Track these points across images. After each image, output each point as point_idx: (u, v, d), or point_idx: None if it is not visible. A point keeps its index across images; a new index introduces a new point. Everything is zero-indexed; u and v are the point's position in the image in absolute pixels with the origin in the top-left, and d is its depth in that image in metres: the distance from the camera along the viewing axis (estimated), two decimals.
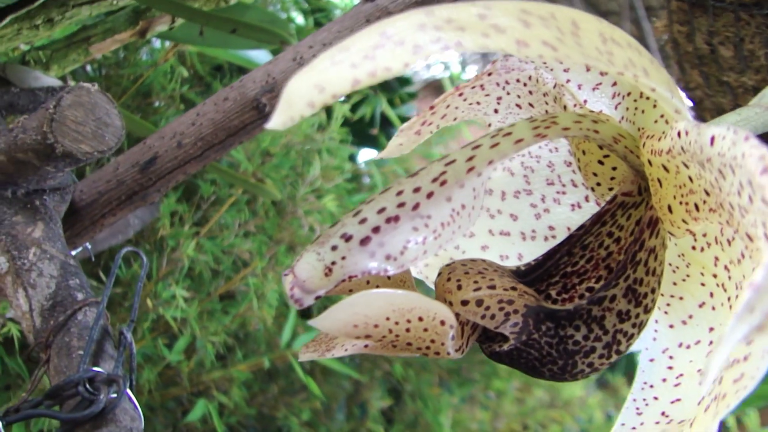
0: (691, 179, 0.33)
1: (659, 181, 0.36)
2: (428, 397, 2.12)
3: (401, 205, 0.33)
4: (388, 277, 0.38)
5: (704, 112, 0.80)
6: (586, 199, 0.49)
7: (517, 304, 0.37)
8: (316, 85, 0.28)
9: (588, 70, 0.38)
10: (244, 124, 0.78)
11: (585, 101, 0.42)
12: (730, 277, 0.37)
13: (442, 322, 0.35)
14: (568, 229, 0.50)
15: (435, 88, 2.82)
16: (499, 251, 0.51)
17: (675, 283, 0.43)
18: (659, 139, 0.34)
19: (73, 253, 0.82)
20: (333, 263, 0.32)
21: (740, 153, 0.26)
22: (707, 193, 0.32)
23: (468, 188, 0.33)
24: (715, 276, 0.40)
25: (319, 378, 1.89)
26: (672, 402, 0.41)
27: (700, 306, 0.41)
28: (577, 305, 0.38)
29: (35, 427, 1.19)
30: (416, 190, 0.33)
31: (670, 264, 0.43)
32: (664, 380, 0.42)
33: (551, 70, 0.40)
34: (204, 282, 1.59)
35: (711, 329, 0.40)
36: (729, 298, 0.38)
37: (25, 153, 0.68)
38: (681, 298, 0.43)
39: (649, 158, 0.36)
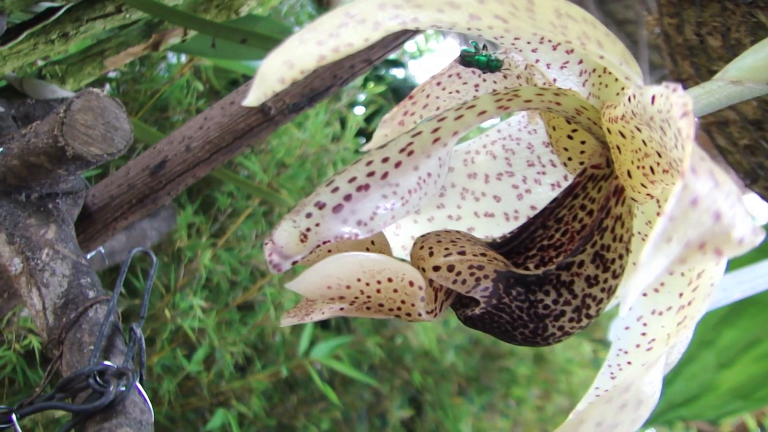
0: (644, 142, 0.35)
1: (618, 147, 0.38)
2: (448, 406, 2.12)
3: (371, 174, 0.35)
4: (367, 249, 0.40)
5: None
6: (565, 178, 0.51)
7: (487, 270, 0.39)
8: (285, 61, 0.30)
9: (543, 43, 0.40)
10: (251, 126, 0.80)
11: (554, 80, 0.44)
12: None
13: (411, 283, 0.37)
14: None
15: None
16: (484, 232, 0.53)
17: None
18: (615, 107, 0.36)
19: (88, 256, 0.84)
20: (308, 230, 0.34)
21: (670, 105, 0.27)
22: (659, 155, 0.34)
23: (434, 158, 0.35)
24: None
25: (339, 388, 1.90)
26: (644, 365, 0.43)
27: (671, 273, 0.43)
28: (546, 270, 0.39)
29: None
30: (385, 160, 0.35)
31: (639, 233, 0.44)
32: (638, 346, 0.44)
33: (521, 51, 0.42)
34: (222, 293, 1.61)
35: (680, 294, 0.42)
36: None
37: (38, 156, 0.70)
38: None
39: (608, 126, 0.38)
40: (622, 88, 0.39)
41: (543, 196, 0.52)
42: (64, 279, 0.71)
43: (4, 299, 0.82)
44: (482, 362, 2.26)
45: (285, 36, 1.00)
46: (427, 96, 0.48)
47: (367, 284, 0.36)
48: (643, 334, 0.44)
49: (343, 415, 1.90)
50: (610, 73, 0.40)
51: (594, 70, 0.42)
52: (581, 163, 0.46)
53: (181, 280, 1.51)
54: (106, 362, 0.63)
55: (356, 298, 0.37)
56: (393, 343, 2.03)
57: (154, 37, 1.13)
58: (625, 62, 0.34)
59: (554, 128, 0.45)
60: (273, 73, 0.30)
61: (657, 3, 0.75)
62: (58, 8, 0.97)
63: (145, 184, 0.82)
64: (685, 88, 0.79)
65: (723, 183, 0.24)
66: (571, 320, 0.40)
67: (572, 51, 0.42)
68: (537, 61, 0.43)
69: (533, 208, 0.52)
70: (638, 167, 0.37)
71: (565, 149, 0.46)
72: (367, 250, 0.40)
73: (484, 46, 0.47)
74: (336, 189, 0.35)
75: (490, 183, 0.53)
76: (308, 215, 0.34)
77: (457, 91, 0.49)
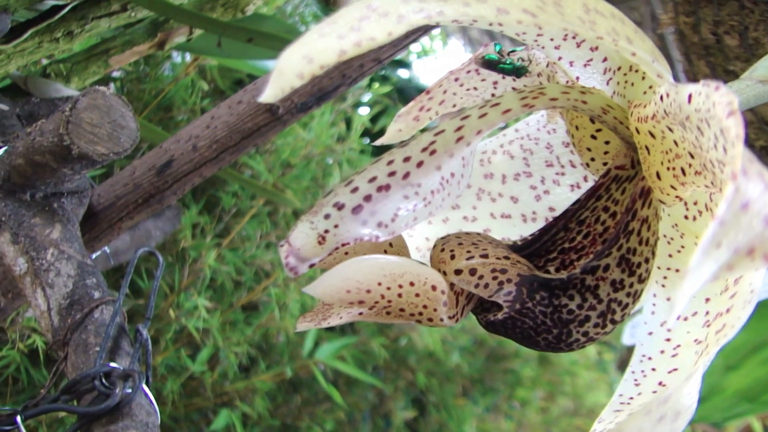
0: (676, 143, 0.34)
1: (647, 148, 0.37)
2: (452, 407, 2.12)
3: (392, 174, 0.34)
4: (385, 251, 0.39)
5: None
6: (585, 179, 0.50)
7: (510, 273, 0.38)
8: (305, 56, 0.29)
9: (567, 40, 0.39)
10: (258, 126, 0.79)
11: (577, 78, 0.42)
12: None
13: (434, 287, 0.35)
14: None
15: None
16: (501, 234, 0.52)
17: (671, 255, 0.44)
18: (645, 106, 0.35)
19: (93, 256, 0.83)
20: (326, 231, 0.33)
21: (711, 104, 0.26)
22: (692, 156, 0.33)
23: (457, 157, 0.34)
24: None
25: (343, 388, 1.90)
26: (669, 372, 0.42)
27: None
28: (571, 274, 0.38)
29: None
30: (406, 159, 0.34)
31: (665, 236, 0.43)
32: (662, 352, 0.43)
33: (543, 48, 0.41)
34: (226, 293, 1.61)
35: (707, 300, 0.40)
36: None
37: (43, 155, 0.69)
38: (677, 270, 0.43)
39: (636, 126, 0.37)
40: (650, 87, 0.38)
41: (562, 197, 0.51)
42: (70, 279, 0.70)
43: (9, 299, 0.81)
44: (487, 363, 2.26)
45: (291, 35, 0.98)
46: (444, 92, 0.47)
47: (388, 288, 0.35)
48: (668, 339, 0.43)
49: (347, 416, 1.90)
50: (636, 71, 0.39)
51: (619, 68, 0.41)
52: (604, 164, 0.44)
53: (186, 280, 1.50)
54: (112, 364, 0.62)
55: (376, 302, 0.36)
56: (397, 344, 2.02)
57: (160, 36, 1.12)
58: (656, 59, 0.32)
59: (577, 128, 0.44)
60: (291, 67, 0.29)
61: (672, 2, 0.74)
62: (63, 6, 0.96)
63: (151, 183, 0.81)
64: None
65: None
66: (596, 326, 0.38)
67: (596, 48, 0.41)
68: (560, 58, 0.41)
69: (551, 209, 0.51)
70: (668, 168, 0.35)
71: (588, 149, 0.45)
72: (385, 252, 0.39)
73: (509, 52, 0.46)
74: (355, 189, 0.33)
75: (507, 183, 0.52)
76: (326, 216, 0.33)
77: (475, 88, 0.48)
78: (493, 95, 0.48)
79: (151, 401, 0.62)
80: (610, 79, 0.42)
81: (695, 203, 0.40)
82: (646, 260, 0.39)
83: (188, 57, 1.54)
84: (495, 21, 0.30)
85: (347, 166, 1.79)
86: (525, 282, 0.38)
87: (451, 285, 0.38)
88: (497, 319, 0.38)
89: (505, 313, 0.38)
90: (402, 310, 0.36)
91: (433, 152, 0.34)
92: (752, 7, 0.67)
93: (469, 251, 0.38)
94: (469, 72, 0.46)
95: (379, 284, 0.35)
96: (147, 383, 0.64)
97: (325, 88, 0.80)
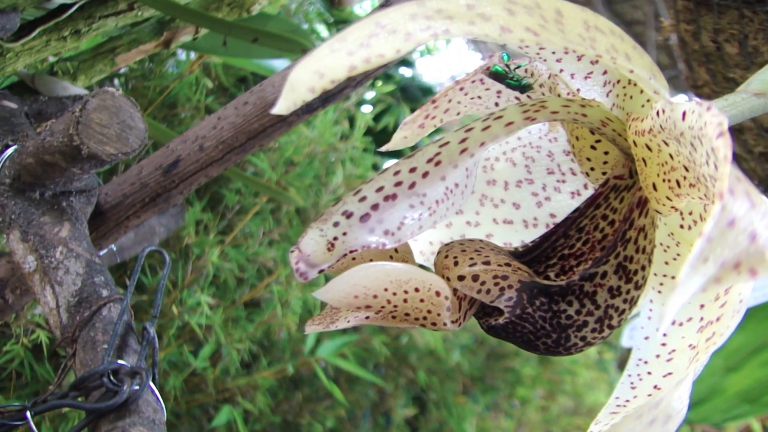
0: (671, 156, 0.35)
1: (644, 160, 0.38)
2: (452, 405, 2.13)
3: (398, 184, 0.35)
4: (391, 257, 0.41)
5: None
6: (585, 186, 0.51)
7: (511, 280, 0.39)
8: (316, 71, 0.30)
9: (568, 53, 0.40)
10: (264, 127, 0.80)
11: (578, 90, 0.44)
12: None
13: (438, 293, 0.37)
14: None
15: None
16: (502, 239, 0.53)
17: (667, 263, 0.45)
18: (642, 120, 0.36)
19: (100, 254, 0.85)
20: (335, 238, 0.34)
21: (703, 122, 0.28)
22: (686, 169, 0.34)
23: (461, 168, 0.35)
24: None
25: (344, 386, 1.91)
26: (664, 376, 0.43)
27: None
28: (570, 281, 0.39)
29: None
30: (412, 170, 0.35)
31: (661, 244, 0.45)
32: (658, 356, 0.44)
33: (545, 61, 0.42)
34: (229, 289, 1.61)
35: (702, 306, 0.42)
36: None
37: (53, 155, 0.71)
38: (673, 278, 0.44)
39: (634, 139, 0.38)
40: (648, 100, 0.39)
41: (562, 204, 0.52)
42: (78, 277, 0.71)
43: (17, 296, 0.82)
44: (487, 362, 2.27)
45: (296, 35, 0.99)
46: (449, 101, 0.48)
47: (394, 294, 0.36)
48: (663, 344, 0.44)
49: (347, 413, 1.91)
50: (635, 84, 0.40)
51: (618, 81, 0.42)
52: (604, 174, 0.46)
53: (189, 277, 1.51)
54: (120, 361, 0.63)
55: (382, 307, 0.37)
56: (398, 342, 2.03)
57: (166, 35, 1.13)
58: (653, 76, 0.34)
59: (577, 138, 0.46)
60: (303, 82, 0.30)
61: (674, 9, 0.75)
62: (71, 5, 0.97)
63: (157, 183, 0.82)
64: (699, 95, 0.79)
65: (759, 204, 0.24)
66: (593, 330, 0.40)
67: (597, 62, 0.42)
68: (561, 70, 0.43)
69: (552, 215, 0.53)
70: (664, 180, 0.37)
71: (588, 159, 0.46)
72: (391, 258, 0.41)
73: (515, 68, 0.47)
74: (363, 198, 0.35)
75: (509, 190, 0.53)
76: (335, 224, 0.35)
77: (479, 97, 0.49)
78: (496, 104, 0.49)
79: (157, 398, 0.63)
80: (610, 91, 0.43)
81: (690, 213, 0.41)
82: (643, 268, 0.40)
83: (193, 54, 1.55)
84: (498, 39, 0.31)
85: (350, 164, 1.80)
86: (525, 288, 0.39)
87: (454, 290, 0.39)
88: (498, 324, 0.40)
89: (506, 317, 0.39)
90: (407, 314, 0.38)
91: (438, 163, 0.35)
92: (752, 16, 0.68)
93: (471, 258, 0.39)
94: (473, 82, 0.48)
95: (386, 290, 0.36)
96: (153, 380, 0.65)
97: (331, 89, 0.81)
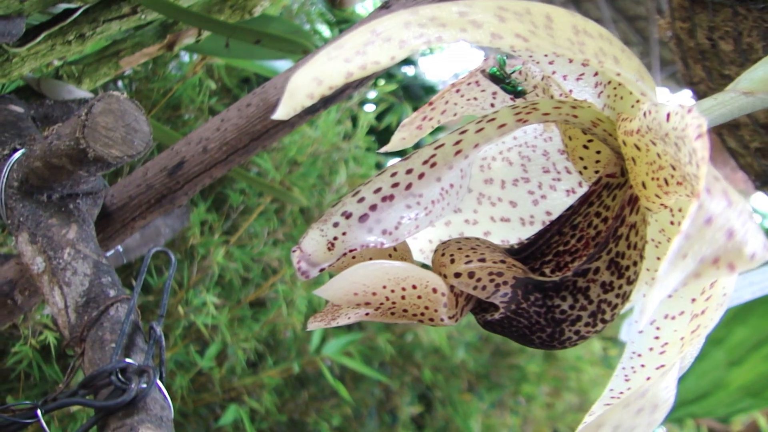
0: (659, 155, 0.36)
1: (633, 159, 0.39)
2: (458, 403, 2.13)
3: (395, 185, 0.36)
4: (389, 255, 0.42)
5: None
6: (580, 184, 0.52)
7: (506, 276, 0.40)
8: (315, 78, 0.31)
9: (560, 57, 0.41)
10: (267, 128, 0.81)
11: (571, 91, 0.45)
12: None
13: (434, 290, 0.38)
14: None
15: None
16: (500, 237, 0.55)
17: (659, 258, 0.46)
18: (631, 121, 0.38)
19: (107, 255, 0.86)
20: (335, 238, 0.36)
21: (685, 124, 0.29)
22: (673, 168, 0.35)
23: (456, 169, 0.37)
24: None
25: (350, 384, 1.92)
26: (657, 368, 0.44)
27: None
28: (563, 277, 0.41)
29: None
30: (409, 171, 0.37)
31: (652, 240, 0.46)
32: (651, 349, 0.45)
33: (537, 63, 0.43)
34: (234, 289, 1.62)
35: (693, 300, 0.43)
36: None
37: (60, 158, 0.72)
38: None
39: (623, 139, 0.39)
40: (637, 101, 0.40)
41: (558, 201, 0.53)
42: (86, 278, 0.72)
43: (25, 297, 0.84)
44: (492, 359, 2.27)
45: (297, 36, 1.00)
46: (446, 102, 0.49)
47: (393, 291, 0.38)
48: (656, 337, 0.45)
49: (353, 411, 1.92)
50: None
51: (609, 82, 0.43)
52: (596, 172, 0.47)
53: (194, 277, 1.52)
54: (128, 360, 0.64)
55: (381, 304, 0.39)
56: (403, 340, 2.04)
57: (169, 38, 1.14)
58: (640, 78, 0.35)
59: (570, 138, 0.47)
60: (302, 88, 0.31)
61: (669, 7, 0.76)
62: (75, 9, 0.98)
63: (163, 184, 0.83)
64: (695, 91, 0.80)
65: (736, 202, 0.25)
66: (587, 325, 0.41)
67: (587, 64, 0.43)
68: (553, 72, 0.44)
69: (548, 213, 0.54)
70: (653, 179, 0.38)
71: (581, 158, 0.47)
72: (390, 256, 0.42)
73: (510, 73, 0.48)
74: (362, 199, 0.36)
75: (506, 188, 0.54)
76: (335, 224, 0.36)
77: (475, 98, 0.50)
78: (492, 105, 0.51)
79: (164, 396, 0.64)
80: (601, 92, 0.44)
81: (680, 210, 0.42)
82: (635, 263, 0.41)
83: (196, 56, 1.56)
84: (490, 45, 0.33)
85: (353, 164, 1.81)
86: (520, 284, 0.40)
87: (451, 287, 0.40)
88: (494, 319, 0.41)
89: (501, 313, 0.41)
90: (405, 310, 0.39)
91: (433, 165, 0.36)
92: (746, 14, 0.69)
93: (467, 255, 0.41)
94: (470, 84, 0.49)
95: (384, 287, 0.38)
96: (161, 379, 0.66)
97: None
